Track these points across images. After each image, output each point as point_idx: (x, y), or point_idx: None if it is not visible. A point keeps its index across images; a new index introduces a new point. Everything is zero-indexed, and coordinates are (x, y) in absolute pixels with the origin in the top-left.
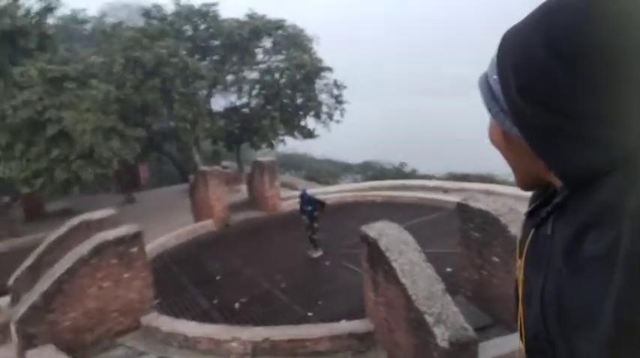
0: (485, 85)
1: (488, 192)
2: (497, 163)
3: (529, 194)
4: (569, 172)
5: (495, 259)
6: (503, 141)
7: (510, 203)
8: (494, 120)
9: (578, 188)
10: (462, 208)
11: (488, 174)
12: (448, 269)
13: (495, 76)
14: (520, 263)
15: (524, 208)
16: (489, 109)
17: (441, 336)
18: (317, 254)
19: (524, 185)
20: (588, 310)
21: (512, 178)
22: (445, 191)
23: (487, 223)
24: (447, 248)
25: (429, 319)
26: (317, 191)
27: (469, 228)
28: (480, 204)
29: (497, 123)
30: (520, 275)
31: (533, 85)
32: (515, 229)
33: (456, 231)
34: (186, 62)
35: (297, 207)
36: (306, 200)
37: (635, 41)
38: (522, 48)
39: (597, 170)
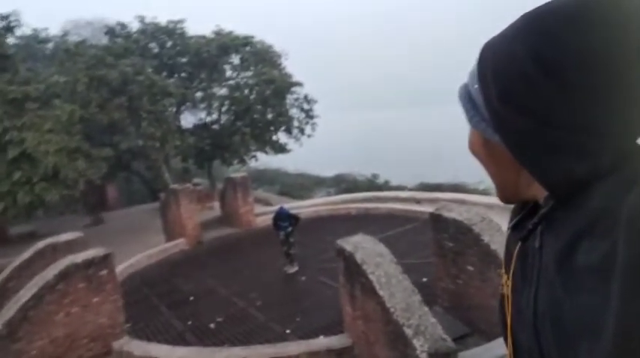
0: (466, 94)
1: (460, 202)
2: (468, 172)
3: (499, 202)
4: (553, 181)
5: (470, 268)
6: (484, 151)
7: (483, 212)
8: (474, 130)
9: (564, 197)
10: (436, 218)
11: (460, 184)
12: (424, 280)
13: (476, 85)
14: (506, 278)
15: (495, 216)
16: (470, 119)
17: (420, 348)
18: (293, 269)
19: (504, 197)
20: (586, 322)
21: (482, 186)
22: (418, 201)
23: (461, 232)
24: (423, 258)
25: (408, 331)
26: (291, 205)
27: (443, 237)
28: (453, 213)
29: (479, 133)
30: (507, 290)
31: (514, 92)
32: (488, 237)
33: (430, 241)
34: (152, 80)
35: (272, 222)
36: (283, 216)
37: (619, 48)
38: (504, 55)
39: (583, 178)
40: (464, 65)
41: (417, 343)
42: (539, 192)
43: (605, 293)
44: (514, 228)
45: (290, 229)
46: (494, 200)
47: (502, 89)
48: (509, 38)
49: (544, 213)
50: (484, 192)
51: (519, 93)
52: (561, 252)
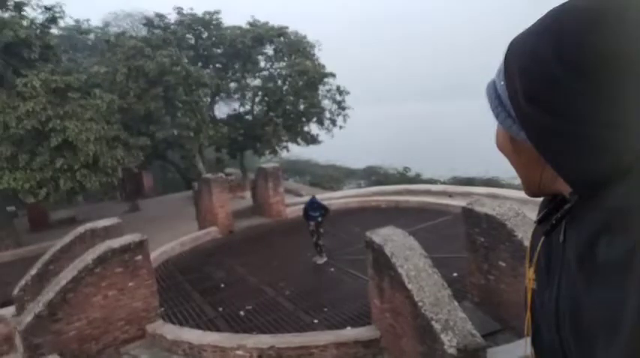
0: (493, 91)
1: (493, 196)
2: (501, 167)
3: (535, 198)
4: (578, 178)
5: (502, 264)
6: (510, 147)
7: (516, 207)
8: (501, 126)
9: (587, 194)
10: (468, 213)
11: (493, 178)
12: (455, 275)
13: (502, 82)
14: (530, 271)
15: (529, 212)
16: (496, 115)
17: (449, 343)
18: (322, 260)
19: (530, 192)
20: (605, 318)
21: (516, 181)
22: (450, 195)
23: (493, 228)
24: (453, 253)
25: (436, 325)
26: (322, 196)
27: (475, 232)
28: (486, 208)
29: (505, 129)
30: (530, 283)
31: (539, 90)
32: (522, 233)
33: (461, 235)
34: (188, 70)
35: (302, 212)
36: (314, 206)
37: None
38: (529, 53)
39: (607, 176)
40: (494, 60)
41: (445, 338)
42: (564, 187)
43: (624, 290)
44: (540, 221)
45: (320, 219)
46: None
47: (527, 86)
48: (534, 36)
49: (568, 208)
50: (519, 187)
51: (544, 91)
52: (582, 247)
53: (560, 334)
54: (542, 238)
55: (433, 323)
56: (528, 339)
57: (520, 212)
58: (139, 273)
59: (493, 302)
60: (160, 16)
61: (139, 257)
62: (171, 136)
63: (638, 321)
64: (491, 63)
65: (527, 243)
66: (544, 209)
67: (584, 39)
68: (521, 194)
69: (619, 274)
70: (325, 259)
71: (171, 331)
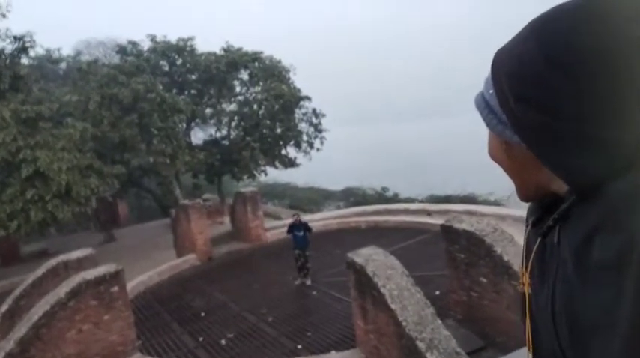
0: (482, 101)
1: (470, 213)
2: (477, 183)
3: (511, 212)
4: (575, 178)
5: (483, 280)
6: (504, 154)
7: (493, 223)
8: (493, 134)
9: (584, 193)
10: (447, 230)
11: (469, 195)
12: (437, 292)
13: (491, 91)
14: (526, 275)
15: (507, 227)
16: (488, 124)
17: None
18: (308, 281)
19: (525, 196)
20: (601, 318)
21: (492, 198)
22: (428, 213)
23: (472, 244)
24: (434, 270)
25: (421, 345)
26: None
27: (455, 249)
28: (464, 224)
29: (498, 136)
30: (526, 287)
31: (530, 90)
32: (501, 248)
33: (441, 252)
34: (163, 97)
35: (287, 233)
36: (301, 225)
37: (630, 45)
38: (517, 57)
39: (604, 174)
40: (467, 76)
41: (430, 357)
42: (560, 188)
43: (619, 289)
44: (534, 224)
45: (304, 236)
46: (506, 211)
47: (516, 89)
48: (520, 40)
49: (564, 209)
50: (495, 203)
51: (534, 91)
52: (577, 247)
53: (558, 336)
54: (539, 240)
55: (418, 342)
56: (518, 356)
57: (498, 227)
58: (115, 305)
59: (476, 319)
60: (133, 44)
61: (115, 288)
62: (146, 163)
63: (633, 322)
64: (466, 81)
65: (506, 257)
66: (534, 212)
67: (570, 38)
68: (498, 210)
69: (614, 273)
70: (309, 282)
71: None
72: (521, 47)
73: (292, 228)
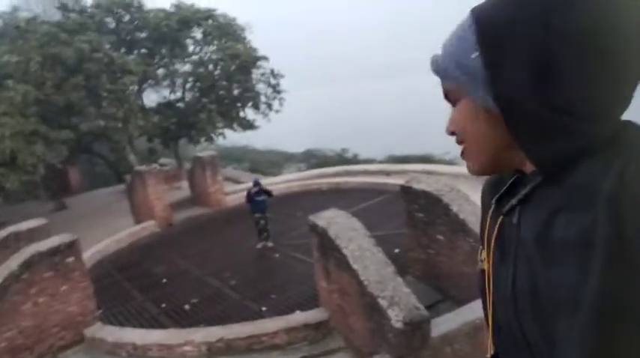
0: (455, 65)
1: (428, 173)
2: (435, 143)
3: (465, 171)
4: (542, 157)
5: (440, 238)
6: (480, 124)
7: (450, 182)
8: (467, 101)
9: (551, 174)
10: (406, 190)
11: (427, 155)
12: (396, 251)
13: (475, 54)
14: (485, 253)
15: (462, 186)
16: (470, 91)
17: (395, 318)
18: (270, 244)
19: (482, 170)
20: (565, 296)
21: (447, 157)
22: (387, 174)
23: (430, 203)
24: (394, 230)
25: (383, 302)
26: (263, 183)
27: (414, 209)
28: (423, 185)
29: (476, 105)
30: (486, 265)
31: (521, 61)
32: (457, 207)
33: (401, 212)
34: (111, 57)
35: (246, 198)
36: (259, 191)
37: (612, 27)
38: (512, 23)
39: (570, 156)
40: (422, 38)
41: (392, 313)
42: (528, 167)
43: (583, 268)
44: (497, 203)
45: (264, 198)
46: (460, 169)
47: (498, 55)
48: (511, 4)
49: (531, 188)
50: (450, 163)
51: (526, 62)
52: (540, 226)
53: (517, 315)
54: (501, 218)
55: (379, 300)
56: (472, 309)
57: (454, 187)
58: (72, 276)
59: (433, 275)
60: None
61: (71, 258)
62: (97, 128)
63: (598, 299)
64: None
65: (462, 216)
66: (493, 191)
67: (573, 10)
68: (454, 169)
69: (577, 252)
70: (272, 244)
71: (112, 333)
72: (514, 11)
73: (252, 195)
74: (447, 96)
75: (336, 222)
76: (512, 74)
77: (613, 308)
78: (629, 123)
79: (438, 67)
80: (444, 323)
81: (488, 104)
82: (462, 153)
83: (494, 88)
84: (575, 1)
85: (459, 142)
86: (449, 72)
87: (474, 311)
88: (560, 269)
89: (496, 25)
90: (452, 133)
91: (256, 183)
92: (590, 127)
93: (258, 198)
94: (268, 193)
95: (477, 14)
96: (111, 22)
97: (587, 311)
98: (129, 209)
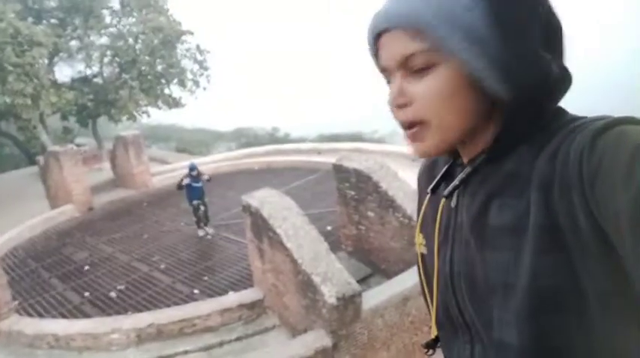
0: (444, 19)
1: (358, 151)
2: (364, 121)
3: (395, 149)
4: (515, 133)
5: (371, 214)
6: (455, 95)
7: (380, 160)
8: (449, 69)
9: (498, 154)
10: (338, 168)
11: (357, 133)
12: (328, 228)
13: (472, 11)
14: (421, 237)
15: (392, 163)
16: (457, 54)
17: (329, 293)
18: (211, 231)
19: (437, 150)
20: (500, 279)
21: (377, 135)
22: (319, 152)
23: (361, 181)
24: (326, 208)
25: (316, 279)
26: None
27: (345, 186)
28: (354, 163)
29: (461, 72)
30: (420, 248)
31: (533, 24)
32: (386, 184)
33: (332, 190)
34: (16, 27)
35: (181, 182)
36: (196, 175)
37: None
38: None
39: (526, 135)
40: None
41: (325, 289)
42: (471, 149)
43: (517, 252)
44: (433, 189)
45: (201, 185)
46: (390, 147)
47: (509, 14)
48: None
49: (467, 173)
50: (379, 141)
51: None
52: (475, 211)
53: (456, 296)
54: (443, 201)
55: (313, 277)
56: (401, 281)
57: (384, 164)
58: None
59: (364, 250)
60: None
61: None
62: (2, 105)
63: (531, 282)
64: None
65: (391, 192)
66: (429, 178)
67: None
68: (383, 147)
69: (510, 237)
70: (212, 231)
71: (31, 325)
72: None
73: (190, 182)
74: (405, 61)
75: (269, 201)
76: (524, 39)
77: (544, 292)
78: (557, 108)
79: (408, 20)
80: (375, 296)
81: (480, 72)
82: (412, 132)
83: (506, 53)
84: None
85: (411, 119)
86: (429, 28)
87: (402, 283)
88: (495, 254)
89: None
90: (400, 107)
91: (193, 168)
92: (552, 105)
93: (195, 184)
94: (207, 177)
95: None
96: None
97: (519, 296)
98: (43, 193)
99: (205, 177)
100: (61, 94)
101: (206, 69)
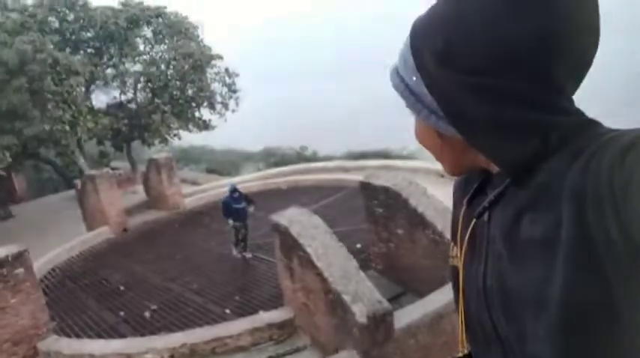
0: (404, 87)
1: (386, 168)
2: (393, 138)
3: (423, 165)
4: (510, 162)
5: (400, 231)
6: (436, 140)
7: (408, 176)
8: (423, 122)
9: (518, 177)
10: (365, 186)
11: (383, 150)
12: (358, 246)
13: (415, 77)
14: (457, 251)
15: (421, 180)
16: (418, 113)
17: (360, 313)
18: (249, 256)
19: (453, 173)
20: (532, 293)
21: (405, 152)
22: (346, 170)
23: (390, 198)
24: (355, 225)
25: (347, 298)
26: (221, 183)
27: (373, 204)
28: (382, 180)
29: (428, 125)
30: (459, 263)
31: (470, 67)
32: (416, 201)
33: (360, 208)
34: (55, 57)
35: (223, 208)
36: (237, 196)
37: (567, 22)
38: (442, 40)
39: (533, 156)
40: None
41: (356, 308)
42: (494, 168)
43: (549, 265)
44: (469, 202)
45: (252, 209)
46: (418, 164)
47: (459, 67)
48: (444, 16)
49: (500, 190)
50: (408, 157)
51: (474, 67)
52: (508, 225)
53: (489, 311)
54: (474, 221)
55: (343, 296)
56: (433, 300)
57: (413, 181)
58: (22, 288)
59: (395, 268)
60: None
61: (20, 270)
62: (42, 132)
63: (564, 297)
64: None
65: (420, 209)
66: (465, 190)
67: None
68: (412, 163)
69: (542, 251)
70: (250, 255)
71: (69, 345)
72: (442, 32)
73: (229, 203)
74: None
75: (298, 220)
76: (453, 95)
77: (578, 307)
78: (590, 120)
79: (392, 83)
80: (407, 315)
81: (439, 127)
82: None
83: (443, 111)
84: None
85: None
86: (398, 90)
87: (434, 302)
88: (527, 268)
89: (427, 38)
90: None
91: (233, 189)
92: (550, 123)
93: (237, 206)
94: (249, 200)
95: (412, 34)
96: (54, 21)
97: (553, 311)
98: (80, 216)
99: (251, 209)
100: (97, 120)
101: (235, 91)
